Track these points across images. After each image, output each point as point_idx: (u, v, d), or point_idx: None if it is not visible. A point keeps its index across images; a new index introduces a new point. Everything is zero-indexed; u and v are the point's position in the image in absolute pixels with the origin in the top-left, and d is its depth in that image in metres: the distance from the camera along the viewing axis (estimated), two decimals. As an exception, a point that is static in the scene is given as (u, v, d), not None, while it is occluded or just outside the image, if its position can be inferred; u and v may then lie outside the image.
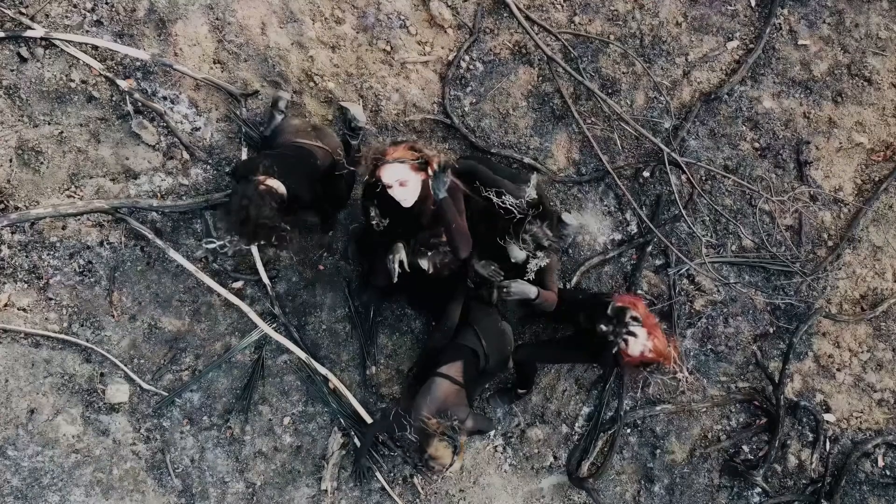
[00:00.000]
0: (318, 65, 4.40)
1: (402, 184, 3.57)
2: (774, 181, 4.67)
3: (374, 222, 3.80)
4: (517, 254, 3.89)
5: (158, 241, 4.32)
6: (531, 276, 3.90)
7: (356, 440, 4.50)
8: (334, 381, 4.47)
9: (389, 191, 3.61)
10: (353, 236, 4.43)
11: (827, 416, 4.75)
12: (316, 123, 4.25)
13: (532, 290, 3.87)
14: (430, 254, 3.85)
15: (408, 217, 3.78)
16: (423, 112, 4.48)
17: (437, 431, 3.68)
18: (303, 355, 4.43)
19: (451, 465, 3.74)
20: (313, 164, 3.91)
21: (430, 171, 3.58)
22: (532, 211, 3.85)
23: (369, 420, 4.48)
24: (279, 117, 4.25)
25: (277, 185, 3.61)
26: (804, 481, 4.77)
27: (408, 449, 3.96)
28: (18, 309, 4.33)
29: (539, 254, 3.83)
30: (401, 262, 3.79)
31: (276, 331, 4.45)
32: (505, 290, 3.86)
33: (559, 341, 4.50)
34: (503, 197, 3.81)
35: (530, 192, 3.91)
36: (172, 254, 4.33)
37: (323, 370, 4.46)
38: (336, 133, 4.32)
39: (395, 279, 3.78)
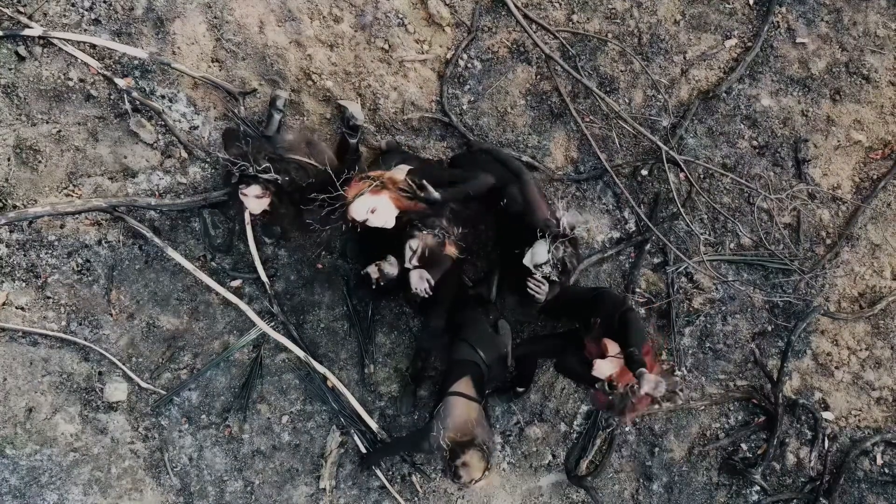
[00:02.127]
0: (317, 63, 4.40)
1: (373, 210, 3.67)
2: (773, 179, 4.67)
3: (377, 276, 3.81)
4: (540, 253, 3.80)
5: (156, 240, 4.32)
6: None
7: (356, 439, 4.50)
8: (332, 380, 4.47)
9: (369, 224, 3.70)
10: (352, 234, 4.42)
11: (825, 415, 4.75)
12: (309, 138, 4.15)
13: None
14: (424, 231, 3.80)
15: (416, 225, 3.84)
16: (421, 110, 4.48)
17: (475, 442, 3.70)
18: (301, 354, 4.43)
19: (479, 479, 3.73)
20: (305, 179, 3.94)
21: (416, 197, 3.71)
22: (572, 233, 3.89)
23: (368, 419, 4.48)
24: (277, 116, 4.25)
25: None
26: (803, 479, 4.77)
27: (437, 456, 3.98)
28: (16, 307, 4.33)
29: (558, 265, 3.79)
30: (380, 270, 3.79)
31: (274, 329, 4.45)
32: (543, 287, 3.78)
33: (559, 335, 4.50)
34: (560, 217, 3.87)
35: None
36: (170, 252, 4.33)
37: (321, 368, 4.46)
38: (334, 132, 4.31)
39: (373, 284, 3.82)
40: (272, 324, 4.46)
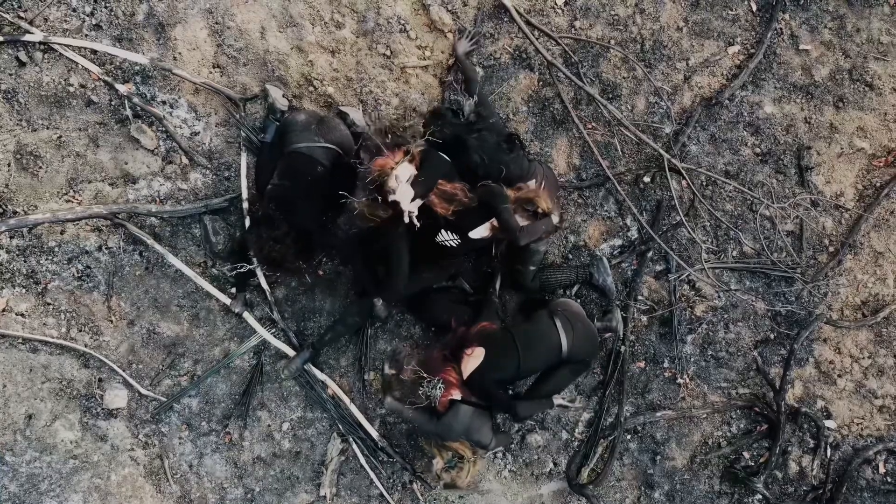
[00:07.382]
0: (318, 69, 4.38)
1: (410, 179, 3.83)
2: (775, 187, 4.65)
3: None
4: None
5: (157, 246, 4.31)
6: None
7: (356, 447, 4.48)
8: (333, 387, 4.45)
9: (393, 196, 3.76)
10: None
11: (828, 423, 4.73)
12: (323, 116, 4.19)
13: None
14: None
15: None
16: (422, 117, 4.45)
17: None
18: (300, 361, 4.40)
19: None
20: (313, 174, 3.95)
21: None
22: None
23: (368, 426, 4.47)
24: (276, 125, 4.21)
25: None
26: (805, 488, 4.76)
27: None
28: (16, 314, 4.32)
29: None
30: None
31: (274, 336, 4.43)
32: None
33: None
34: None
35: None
36: (171, 259, 4.32)
37: (321, 376, 4.44)
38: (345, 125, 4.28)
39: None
40: (273, 330, 4.45)
